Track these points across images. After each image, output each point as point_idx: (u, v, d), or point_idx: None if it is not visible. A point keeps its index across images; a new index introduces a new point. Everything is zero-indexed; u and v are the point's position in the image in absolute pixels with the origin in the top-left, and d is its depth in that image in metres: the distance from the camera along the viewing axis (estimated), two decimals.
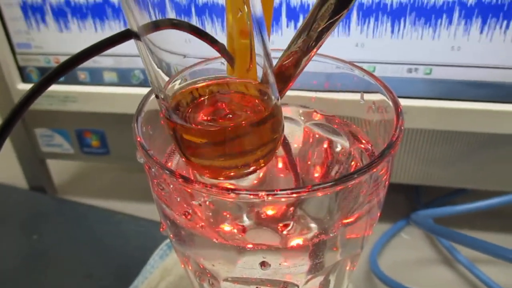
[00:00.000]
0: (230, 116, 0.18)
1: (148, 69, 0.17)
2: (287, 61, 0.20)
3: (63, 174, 0.49)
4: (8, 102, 0.40)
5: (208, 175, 0.19)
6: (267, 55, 0.18)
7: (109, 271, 0.37)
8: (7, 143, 0.44)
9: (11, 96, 0.40)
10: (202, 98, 0.19)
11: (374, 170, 0.18)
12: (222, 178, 0.19)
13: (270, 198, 0.16)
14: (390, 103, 0.21)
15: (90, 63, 0.37)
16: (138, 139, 0.19)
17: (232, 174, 0.19)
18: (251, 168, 0.19)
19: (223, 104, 0.19)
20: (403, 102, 0.33)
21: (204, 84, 0.19)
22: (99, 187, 0.47)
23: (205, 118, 0.18)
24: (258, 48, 0.17)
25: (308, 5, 0.32)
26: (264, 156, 0.18)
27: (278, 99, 0.18)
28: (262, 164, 0.19)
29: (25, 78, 0.40)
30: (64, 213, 0.43)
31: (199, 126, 0.18)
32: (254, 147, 0.18)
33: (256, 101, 0.19)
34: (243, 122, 0.18)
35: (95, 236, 0.40)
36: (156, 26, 0.17)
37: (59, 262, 0.38)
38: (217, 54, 0.19)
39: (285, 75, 0.20)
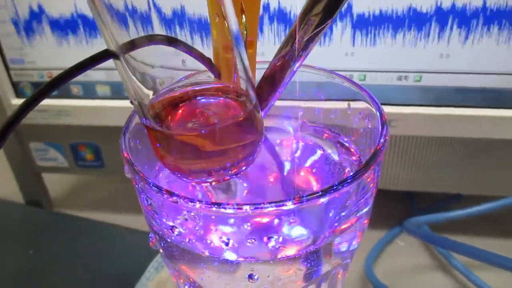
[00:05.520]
0: (209, 120, 0.19)
1: (127, 85, 0.17)
2: (273, 71, 0.20)
3: (59, 188, 0.49)
4: (2, 117, 0.40)
5: (189, 178, 0.19)
6: (244, 69, 0.18)
7: (105, 284, 0.36)
8: (2, 158, 0.44)
9: (5, 111, 0.40)
10: (180, 105, 0.19)
11: (361, 179, 0.18)
12: (204, 180, 0.19)
13: (256, 211, 0.16)
14: (375, 111, 0.21)
15: (82, 77, 0.38)
16: (125, 154, 0.19)
17: (213, 178, 0.19)
18: (232, 171, 0.19)
19: (202, 110, 0.19)
20: (394, 109, 0.34)
21: (181, 92, 0.19)
22: (95, 200, 0.48)
23: (184, 124, 0.18)
24: (238, 63, 0.17)
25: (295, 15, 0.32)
26: (243, 159, 0.19)
27: (256, 105, 0.19)
28: (243, 168, 0.19)
29: (18, 93, 0.40)
30: (61, 227, 0.43)
31: (179, 133, 0.18)
32: (232, 148, 0.18)
33: (235, 104, 0.19)
34: (220, 125, 0.18)
35: (91, 249, 0.40)
36: (143, 42, 0.17)
37: (55, 276, 0.38)
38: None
39: (271, 85, 0.21)
